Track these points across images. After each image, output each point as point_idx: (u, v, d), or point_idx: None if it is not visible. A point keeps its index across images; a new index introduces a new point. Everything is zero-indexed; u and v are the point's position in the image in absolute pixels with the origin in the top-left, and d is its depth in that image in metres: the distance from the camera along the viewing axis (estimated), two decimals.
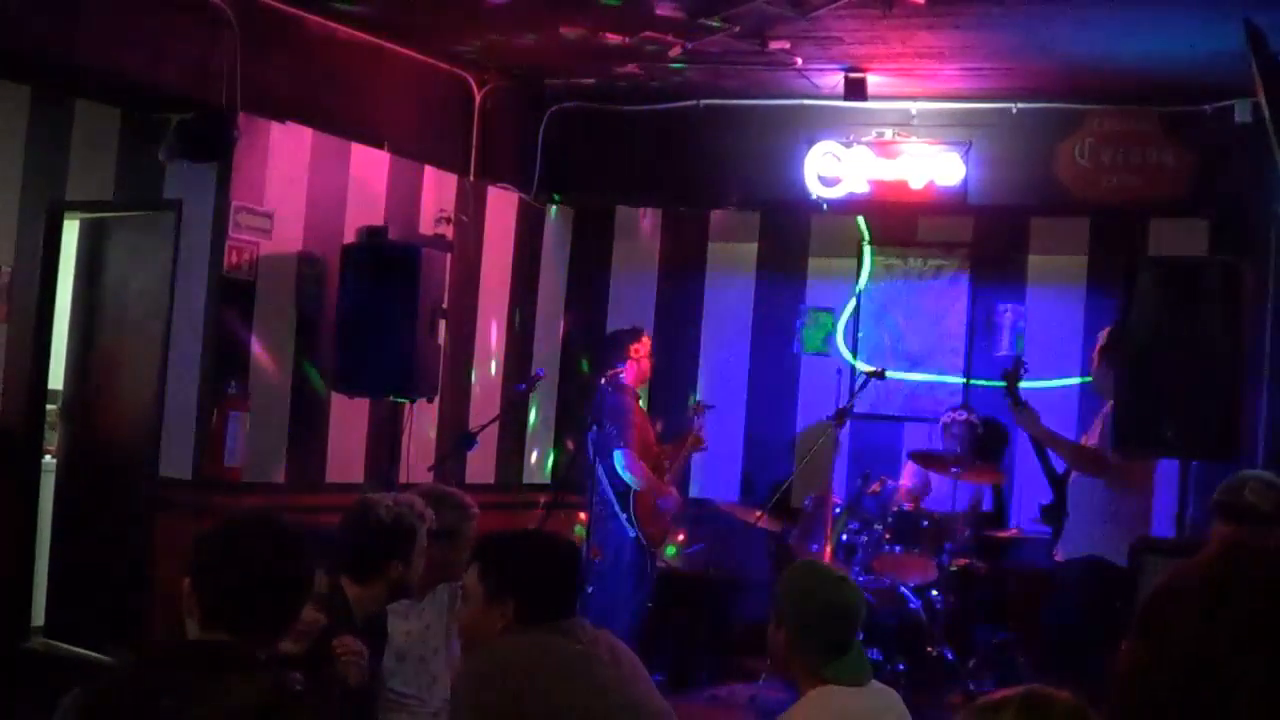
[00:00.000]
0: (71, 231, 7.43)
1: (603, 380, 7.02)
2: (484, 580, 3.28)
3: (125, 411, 7.20)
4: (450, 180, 7.99)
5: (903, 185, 7.85)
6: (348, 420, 7.30)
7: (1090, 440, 6.12)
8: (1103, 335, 6.26)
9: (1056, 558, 6.18)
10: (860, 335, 8.26)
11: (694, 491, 7.34)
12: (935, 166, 7.77)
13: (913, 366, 8.13)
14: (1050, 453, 6.33)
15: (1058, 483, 6.26)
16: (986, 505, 7.61)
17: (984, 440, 7.56)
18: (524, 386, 7.72)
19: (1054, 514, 6.26)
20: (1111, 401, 6.08)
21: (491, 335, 8.37)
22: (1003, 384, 6.28)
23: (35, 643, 7.17)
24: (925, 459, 7.42)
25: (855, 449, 8.02)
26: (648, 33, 6.84)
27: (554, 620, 3.24)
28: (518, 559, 3.36)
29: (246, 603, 2.56)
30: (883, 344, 8.20)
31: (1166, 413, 5.37)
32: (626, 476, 6.92)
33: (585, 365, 8.59)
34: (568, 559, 3.45)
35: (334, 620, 3.59)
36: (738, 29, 6.68)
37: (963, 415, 7.54)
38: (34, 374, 7.21)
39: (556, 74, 7.98)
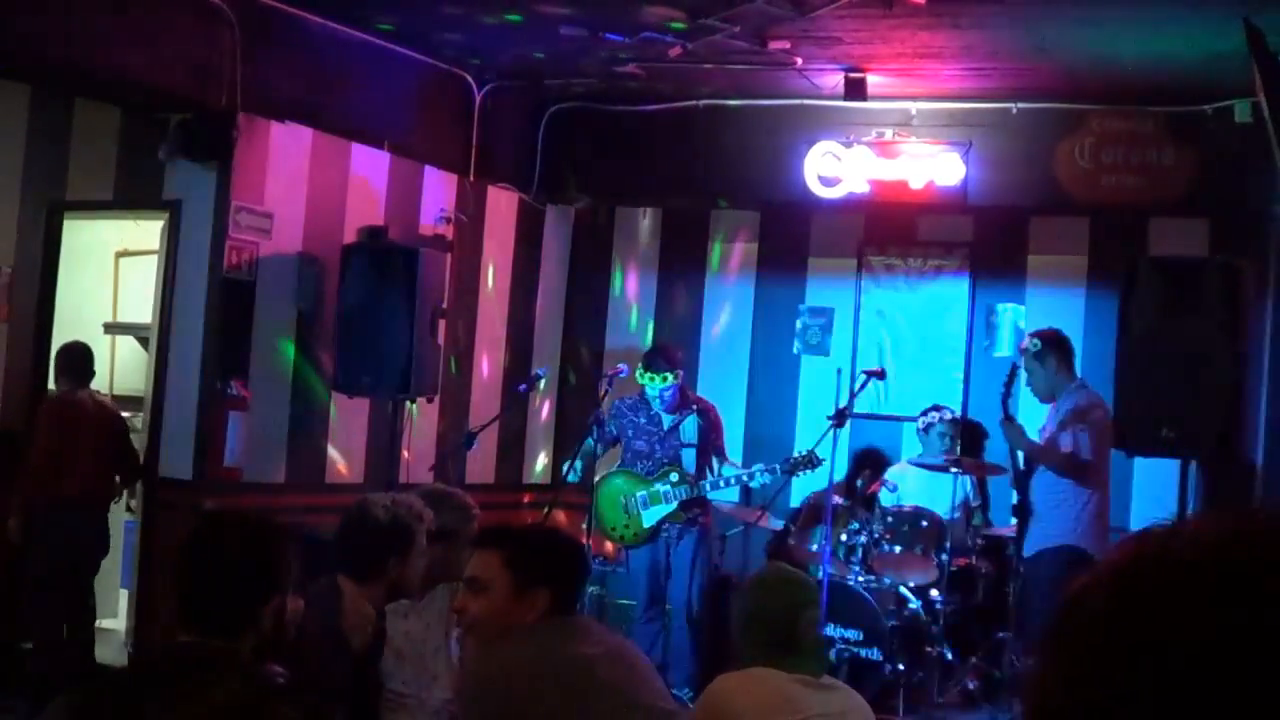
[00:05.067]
0: (71, 231, 7.43)
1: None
2: (512, 568, 3.16)
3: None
4: (450, 180, 7.99)
5: (903, 185, 7.85)
6: (348, 420, 7.30)
7: (1064, 445, 6.18)
8: (1027, 343, 6.38)
9: (1026, 553, 6.27)
10: (860, 335, 8.26)
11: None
12: (935, 166, 7.77)
13: (913, 366, 8.13)
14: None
15: (1021, 481, 6.33)
16: (976, 501, 7.60)
17: (963, 438, 7.56)
18: (524, 386, 7.72)
19: (1019, 511, 6.34)
20: (1076, 403, 6.16)
21: (491, 335, 8.37)
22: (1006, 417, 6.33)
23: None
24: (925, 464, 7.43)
25: (855, 449, 8.02)
26: (648, 33, 6.84)
27: (572, 615, 3.22)
28: (550, 548, 3.29)
29: (208, 601, 2.57)
30: (883, 344, 8.19)
31: (1166, 413, 5.37)
32: None
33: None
34: (586, 553, 3.46)
35: (332, 621, 3.59)
36: (738, 29, 6.68)
37: (944, 414, 7.53)
38: (34, 374, 7.21)
39: (556, 74, 7.98)
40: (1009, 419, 6.25)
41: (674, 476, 7.04)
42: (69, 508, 6.60)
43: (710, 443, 7.19)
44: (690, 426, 7.13)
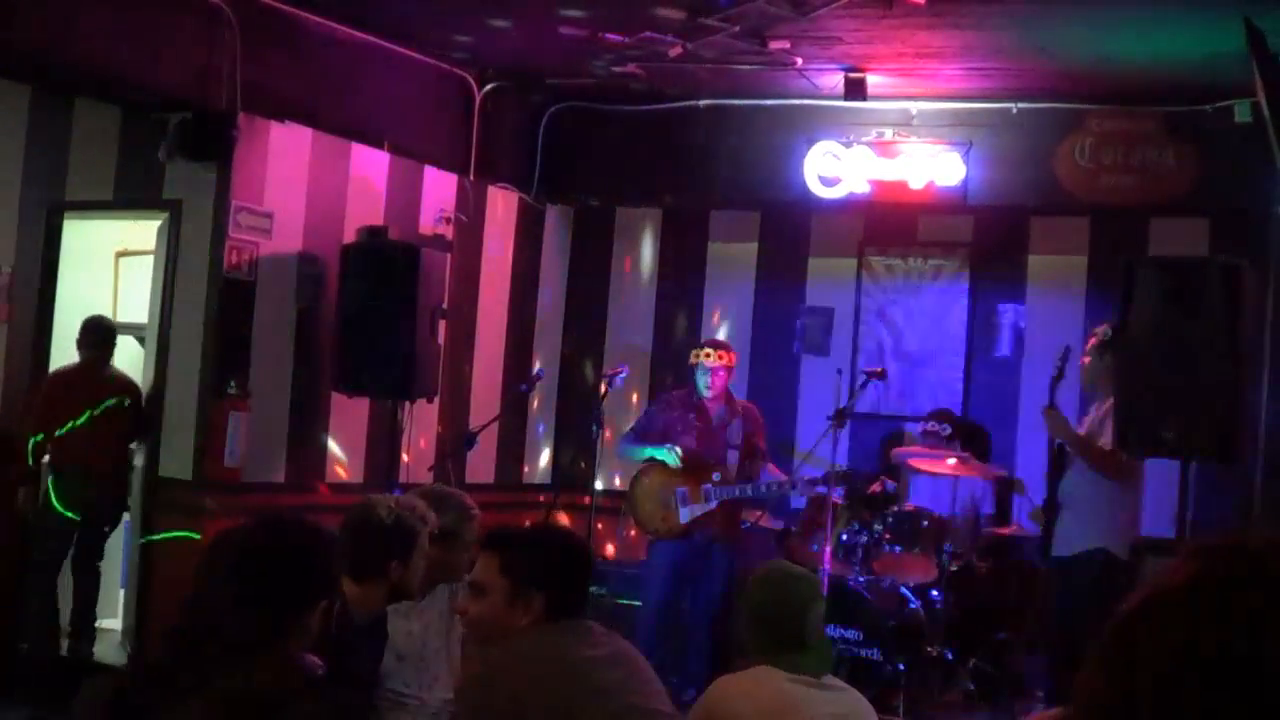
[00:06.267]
0: (71, 231, 7.43)
1: None
2: (508, 573, 3.17)
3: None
4: (450, 180, 7.99)
5: (903, 185, 7.85)
6: (348, 420, 7.30)
7: (1105, 441, 6.09)
8: (1101, 331, 6.28)
9: (1054, 553, 6.19)
10: (860, 335, 8.26)
11: None
12: (935, 166, 7.77)
13: (913, 366, 8.13)
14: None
15: (1052, 477, 6.27)
16: (987, 508, 7.57)
17: (968, 442, 7.56)
18: (524, 386, 7.72)
19: (1049, 508, 6.28)
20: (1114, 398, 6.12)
21: (491, 335, 8.37)
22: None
23: None
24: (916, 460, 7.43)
25: (855, 449, 8.02)
26: (648, 33, 6.84)
27: (573, 618, 3.22)
28: (547, 552, 3.27)
29: (258, 601, 2.60)
30: (883, 344, 8.20)
31: (1166, 413, 5.36)
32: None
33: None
34: (588, 556, 3.44)
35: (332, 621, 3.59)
36: (738, 29, 6.68)
37: (931, 426, 7.50)
38: (34, 374, 7.21)
39: (556, 74, 7.98)
40: (1054, 406, 6.20)
41: (717, 476, 6.91)
42: (74, 477, 6.73)
43: (753, 444, 7.07)
44: (736, 428, 7.05)
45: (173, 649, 2.61)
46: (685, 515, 6.90)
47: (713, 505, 6.87)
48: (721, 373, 6.99)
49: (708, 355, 6.98)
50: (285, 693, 2.41)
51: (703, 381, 7.01)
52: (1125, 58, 6.69)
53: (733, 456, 7.01)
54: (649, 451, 7.02)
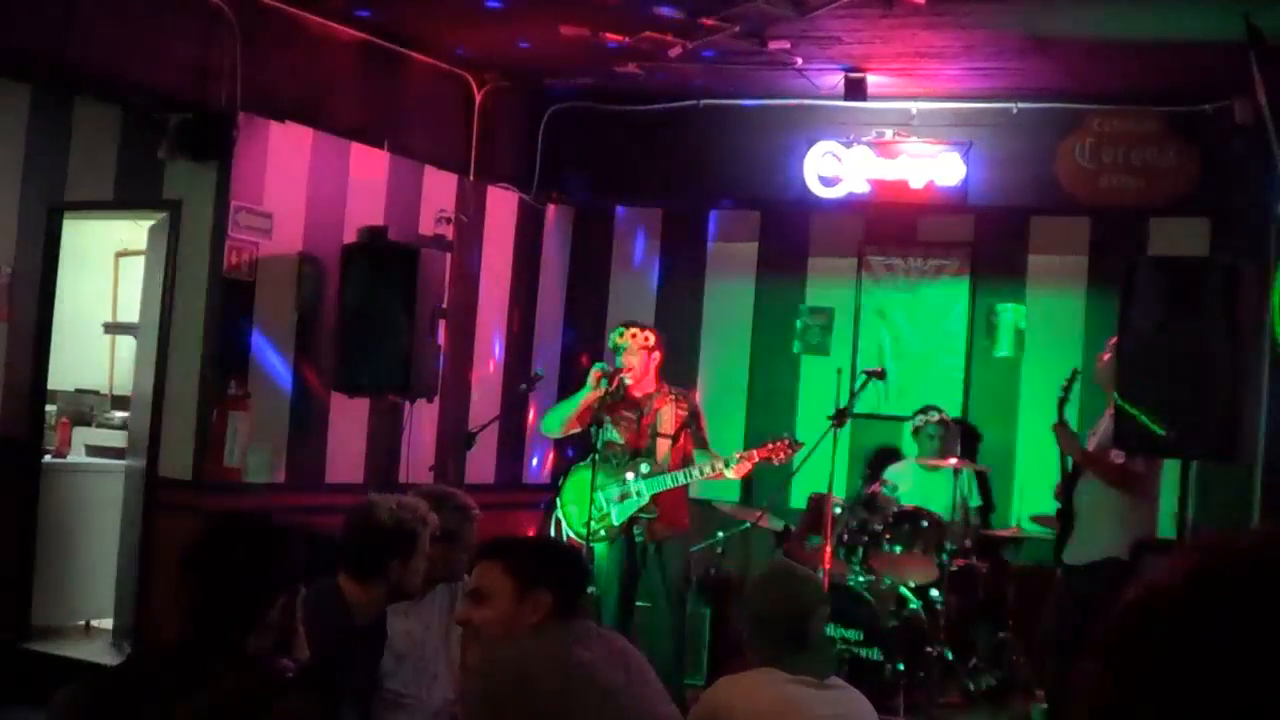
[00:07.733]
0: (71, 231, 7.43)
1: None
2: (514, 575, 3.16)
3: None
4: (450, 180, 7.99)
5: (903, 185, 7.85)
6: (348, 420, 7.30)
7: (1117, 453, 6.04)
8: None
9: (1066, 560, 6.19)
10: (860, 335, 8.26)
11: (694, 492, 7.27)
12: (935, 166, 7.77)
13: (913, 366, 8.13)
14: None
15: (1065, 486, 6.26)
16: (975, 502, 7.59)
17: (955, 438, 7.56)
18: (524, 386, 7.72)
19: (1063, 517, 6.27)
20: None
21: (491, 335, 8.37)
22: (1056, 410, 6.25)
23: (36, 642, 7.17)
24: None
25: (855, 449, 8.02)
26: (648, 33, 6.84)
27: (575, 618, 3.22)
28: (548, 552, 3.34)
29: (217, 603, 2.61)
30: (883, 344, 8.20)
31: (1166, 413, 5.36)
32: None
33: None
34: (582, 557, 3.48)
35: (333, 621, 3.59)
36: (738, 29, 6.68)
37: (931, 415, 7.51)
38: (34, 374, 7.21)
39: (556, 74, 7.98)
40: (1062, 423, 6.20)
41: (644, 468, 6.59)
42: None
43: (688, 433, 6.73)
44: (666, 415, 6.74)
45: (148, 654, 2.62)
46: (619, 516, 6.60)
47: (644, 499, 6.55)
48: (639, 355, 6.70)
49: (621, 336, 6.74)
50: (257, 697, 2.42)
51: (620, 364, 6.72)
52: (1126, 57, 6.69)
53: (664, 446, 6.66)
54: (571, 403, 6.80)
